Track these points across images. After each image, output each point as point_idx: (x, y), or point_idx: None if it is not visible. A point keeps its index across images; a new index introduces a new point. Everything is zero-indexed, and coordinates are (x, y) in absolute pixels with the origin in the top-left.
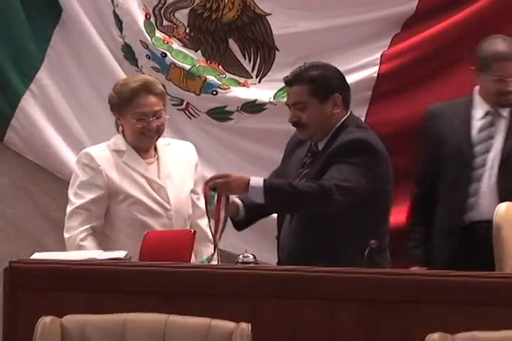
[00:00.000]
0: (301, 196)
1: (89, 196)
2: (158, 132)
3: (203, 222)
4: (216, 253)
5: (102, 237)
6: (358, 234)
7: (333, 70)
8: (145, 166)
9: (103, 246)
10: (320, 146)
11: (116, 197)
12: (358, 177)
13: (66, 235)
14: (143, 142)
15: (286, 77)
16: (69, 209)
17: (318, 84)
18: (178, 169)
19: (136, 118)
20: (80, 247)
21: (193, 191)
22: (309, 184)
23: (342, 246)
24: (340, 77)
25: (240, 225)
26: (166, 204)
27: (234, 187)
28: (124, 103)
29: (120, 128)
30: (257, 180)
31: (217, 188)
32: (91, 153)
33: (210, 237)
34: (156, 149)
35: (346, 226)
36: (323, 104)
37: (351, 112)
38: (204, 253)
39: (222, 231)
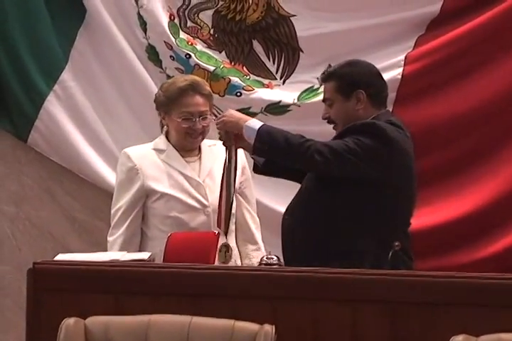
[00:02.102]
0: (287, 148)
1: (126, 196)
2: (203, 133)
3: (252, 225)
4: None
5: (141, 235)
6: (375, 231)
7: (363, 67)
8: (184, 164)
9: (141, 243)
10: None
11: (152, 195)
12: (355, 149)
13: (108, 238)
14: (187, 142)
15: (323, 73)
16: (112, 210)
17: (343, 81)
18: (221, 169)
19: (182, 117)
20: (118, 250)
21: (239, 193)
22: (300, 139)
23: (357, 244)
24: (370, 73)
25: (258, 169)
26: (204, 200)
27: (230, 124)
28: (171, 102)
29: (164, 128)
30: (255, 123)
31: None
32: (128, 152)
33: (257, 239)
34: (200, 149)
35: (360, 223)
36: (347, 100)
37: (388, 111)
38: (252, 257)
39: (237, 160)
